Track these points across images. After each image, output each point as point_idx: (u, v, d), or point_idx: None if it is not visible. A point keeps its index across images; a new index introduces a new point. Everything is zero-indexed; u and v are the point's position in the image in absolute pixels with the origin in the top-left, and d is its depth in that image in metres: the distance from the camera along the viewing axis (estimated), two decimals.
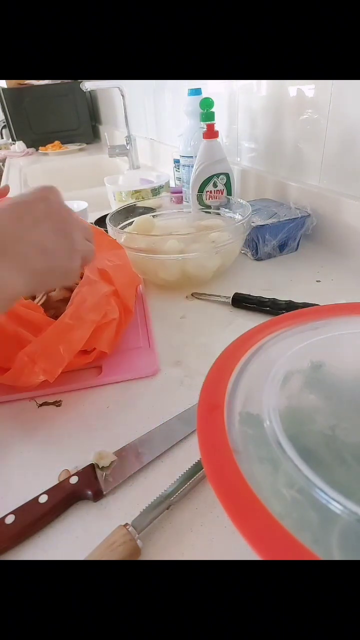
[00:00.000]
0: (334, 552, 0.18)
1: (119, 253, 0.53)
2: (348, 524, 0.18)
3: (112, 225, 0.64)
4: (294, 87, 0.71)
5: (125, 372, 0.44)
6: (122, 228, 0.67)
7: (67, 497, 0.31)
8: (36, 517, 0.29)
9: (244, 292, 0.56)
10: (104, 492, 0.31)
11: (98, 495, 0.31)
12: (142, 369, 0.44)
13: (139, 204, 0.79)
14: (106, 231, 0.62)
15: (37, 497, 0.30)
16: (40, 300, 0.49)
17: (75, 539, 0.29)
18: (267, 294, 0.55)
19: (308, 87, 0.68)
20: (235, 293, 0.55)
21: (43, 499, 0.30)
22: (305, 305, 0.51)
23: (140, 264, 0.60)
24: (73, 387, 0.43)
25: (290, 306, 0.51)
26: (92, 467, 0.33)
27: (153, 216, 0.74)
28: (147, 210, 0.81)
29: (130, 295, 0.48)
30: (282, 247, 0.69)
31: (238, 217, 0.67)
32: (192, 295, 0.59)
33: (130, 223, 0.69)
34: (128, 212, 0.71)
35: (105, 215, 0.90)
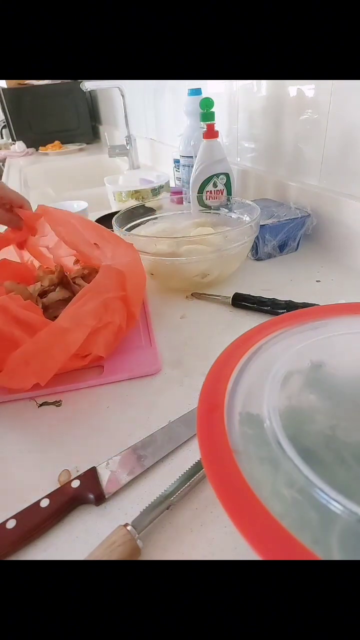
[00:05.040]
0: (334, 552, 0.18)
1: (131, 251, 0.52)
2: (348, 524, 0.18)
3: (120, 228, 0.63)
4: (294, 87, 0.71)
5: (127, 371, 0.44)
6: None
7: (69, 501, 0.30)
8: (38, 521, 0.29)
9: (244, 292, 0.56)
10: (106, 496, 0.31)
11: (100, 499, 0.31)
12: (145, 368, 0.44)
13: (147, 204, 0.78)
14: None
15: (39, 501, 0.30)
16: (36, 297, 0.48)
17: (75, 539, 0.29)
18: (267, 294, 0.55)
19: (308, 87, 0.68)
20: (235, 293, 0.55)
21: (45, 503, 0.30)
22: (305, 305, 0.51)
23: (153, 268, 0.59)
24: (74, 387, 0.43)
25: (290, 306, 0.51)
26: (93, 471, 0.33)
27: (155, 219, 0.73)
28: (148, 211, 0.81)
29: (137, 301, 0.48)
30: (282, 247, 0.69)
31: (246, 218, 0.67)
32: (192, 295, 0.59)
33: (134, 226, 0.69)
34: (130, 214, 0.70)
35: (105, 216, 0.90)
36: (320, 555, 0.17)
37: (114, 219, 0.64)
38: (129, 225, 0.67)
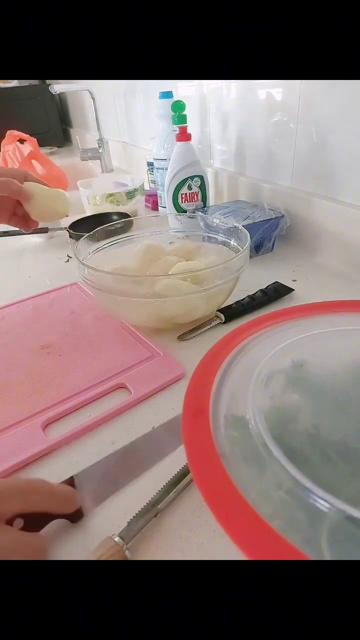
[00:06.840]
0: (324, 551, 0.18)
1: None
2: (336, 521, 0.18)
3: (82, 251, 0.53)
4: (263, 91, 0.72)
5: (153, 382, 0.42)
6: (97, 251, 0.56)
7: (46, 518, 0.28)
8: None
9: (226, 303, 0.53)
10: (89, 508, 0.30)
11: (79, 513, 0.29)
12: (169, 374, 0.42)
13: (121, 210, 0.72)
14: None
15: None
16: None
17: (59, 557, 0.28)
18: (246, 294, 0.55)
19: (277, 90, 0.70)
20: (225, 314, 0.52)
21: (19, 523, 0.27)
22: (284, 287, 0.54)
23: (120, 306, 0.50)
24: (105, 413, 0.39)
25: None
26: (70, 481, 0.31)
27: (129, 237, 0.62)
28: (122, 217, 0.79)
29: None
30: (257, 248, 0.70)
31: (233, 243, 0.57)
32: (178, 338, 0.50)
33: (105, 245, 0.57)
34: (99, 221, 0.63)
35: (80, 220, 0.89)
36: (311, 556, 0.17)
37: (81, 240, 0.55)
38: (102, 244, 0.58)
